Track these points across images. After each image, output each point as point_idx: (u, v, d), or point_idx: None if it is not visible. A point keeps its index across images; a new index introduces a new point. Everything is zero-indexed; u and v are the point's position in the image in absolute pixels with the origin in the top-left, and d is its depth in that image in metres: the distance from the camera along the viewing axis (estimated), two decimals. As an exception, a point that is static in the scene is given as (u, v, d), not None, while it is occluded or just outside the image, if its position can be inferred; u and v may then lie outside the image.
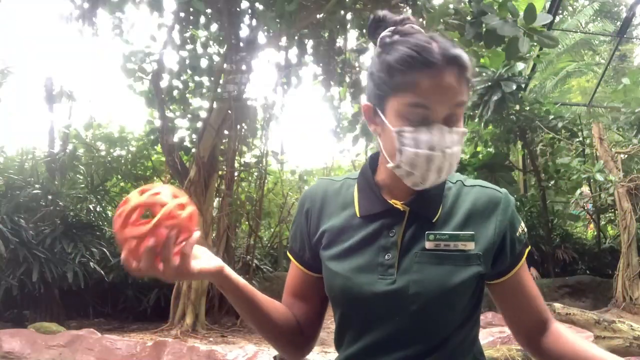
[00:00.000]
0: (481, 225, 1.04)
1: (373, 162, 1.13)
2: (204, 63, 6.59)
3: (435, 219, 1.04)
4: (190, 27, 6.77)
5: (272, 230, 9.36)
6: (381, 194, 1.08)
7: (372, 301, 1.02)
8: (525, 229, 1.11)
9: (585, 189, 8.48)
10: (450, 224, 1.04)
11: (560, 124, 8.40)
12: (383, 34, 1.03)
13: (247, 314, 1.08)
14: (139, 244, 0.89)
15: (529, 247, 1.11)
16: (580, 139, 9.16)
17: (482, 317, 4.99)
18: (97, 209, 7.14)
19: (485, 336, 4.43)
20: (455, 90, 0.97)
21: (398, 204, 1.05)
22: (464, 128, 1.02)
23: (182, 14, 6.43)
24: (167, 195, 0.92)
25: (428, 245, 1.02)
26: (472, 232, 1.03)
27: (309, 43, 6.97)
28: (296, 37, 6.60)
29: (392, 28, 1.03)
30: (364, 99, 1.09)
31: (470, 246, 1.02)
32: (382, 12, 1.06)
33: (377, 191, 1.08)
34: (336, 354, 1.14)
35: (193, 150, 6.64)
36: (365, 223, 1.07)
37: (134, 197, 0.92)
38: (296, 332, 1.14)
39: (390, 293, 1.01)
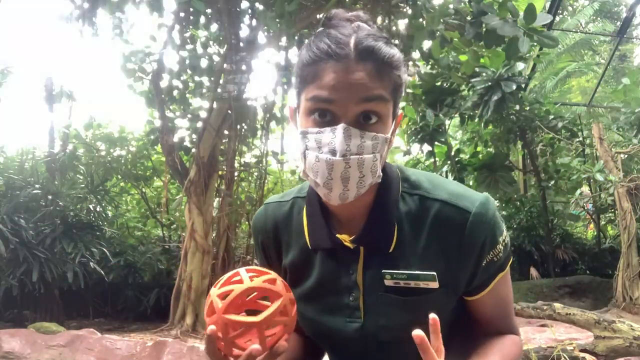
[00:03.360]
0: (444, 256, 0.91)
1: None
2: (204, 63, 6.60)
3: (391, 249, 0.92)
4: (190, 27, 6.77)
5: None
6: (331, 222, 0.96)
7: (343, 343, 0.98)
8: (503, 247, 0.94)
9: (585, 189, 8.47)
10: (412, 255, 0.92)
11: (560, 124, 8.40)
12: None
13: None
14: (244, 332, 0.85)
15: (507, 266, 0.97)
16: (580, 139, 9.16)
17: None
18: (97, 209, 7.14)
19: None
20: (366, 85, 0.83)
21: (347, 242, 0.93)
22: (385, 135, 0.86)
23: (182, 14, 6.43)
24: (281, 285, 0.87)
25: (387, 283, 0.92)
26: (433, 273, 0.90)
27: (309, 43, 6.96)
28: (296, 37, 6.60)
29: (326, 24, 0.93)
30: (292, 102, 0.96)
31: (434, 285, 0.91)
32: (334, 11, 0.94)
33: (324, 222, 0.96)
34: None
35: (193, 150, 6.64)
36: (323, 258, 0.97)
37: (246, 279, 0.85)
38: (309, 350, 1.13)
39: (360, 337, 0.95)
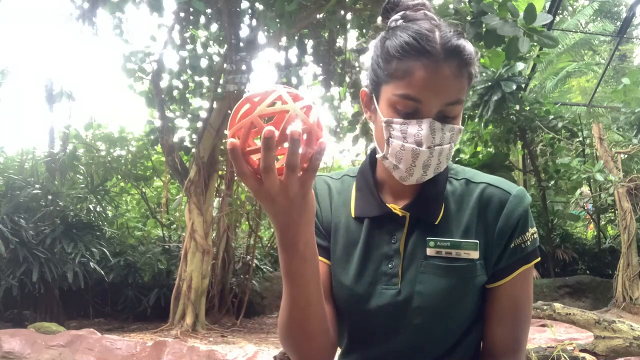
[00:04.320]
0: (483, 231, 0.98)
1: (373, 157, 1.06)
2: (204, 63, 6.60)
3: (437, 221, 0.98)
4: (190, 27, 6.77)
5: (272, 230, 9.35)
6: (380, 195, 1.03)
7: (373, 313, 0.99)
8: (531, 239, 0.99)
9: (585, 189, 8.48)
10: (456, 228, 0.98)
11: (560, 124, 8.40)
12: (392, 18, 0.99)
13: (301, 297, 0.88)
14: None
15: (532, 261, 0.99)
16: (580, 139, 9.16)
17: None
18: (97, 209, 7.14)
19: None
20: (451, 86, 0.92)
21: (397, 209, 1.00)
22: (460, 126, 0.96)
23: (182, 14, 6.43)
24: (287, 97, 0.74)
25: (429, 252, 0.97)
26: (476, 241, 0.96)
27: (309, 43, 6.97)
28: (296, 37, 6.60)
29: (401, 12, 0.99)
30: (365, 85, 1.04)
31: (474, 255, 0.96)
32: None
33: (376, 192, 1.03)
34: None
35: (193, 150, 6.64)
36: (367, 227, 1.02)
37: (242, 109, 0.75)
38: (329, 338, 0.98)
39: (393, 305, 0.97)
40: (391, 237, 1.00)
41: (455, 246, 0.96)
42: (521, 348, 1.00)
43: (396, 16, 0.98)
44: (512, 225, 0.97)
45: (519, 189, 1.00)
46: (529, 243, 0.98)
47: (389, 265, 0.99)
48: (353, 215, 1.04)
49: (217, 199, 6.94)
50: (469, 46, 0.94)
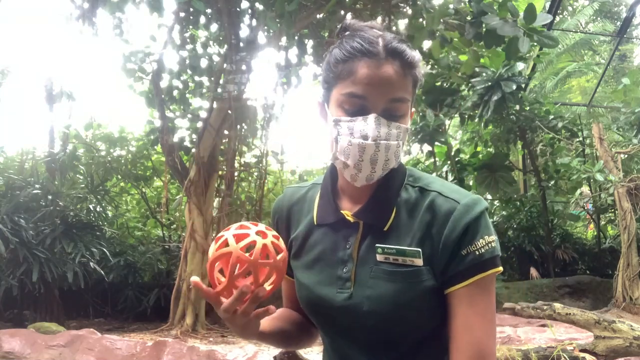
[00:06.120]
0: (430, 239, 0.99)
1: (335, 167, 1.09)
2: (204, 63, 6.60)
3: (387, 227, 1.01)
4: (190, 27, 6.77)
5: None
6: (339, 201, 1.08)
7: (332, 313, 1.04)
8: (487, 248, 0.97)
9: (585, 189, 8.48)
10: (405, 236, 1.00)
11: (560, 124, 8.40)
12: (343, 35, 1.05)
13: (273, 343, 1.19)
14: (227, 296, 1.01)
15: (489, 270, 0.97)
16: (580, 139, 9.16)
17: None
18: (97, 209, 7.14)
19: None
20: (395, 82, 0.97)
21: (349, 215, 1.04)
22: (406, 125, 1.00)
23: (182, 14, 6.43)
24: (231, 239, 0.99)
25: (379, 257, 1.00)
26: (419, 249, 0.98)
27: (309, 43, 6.97)
28: (296, 37, 6.60)
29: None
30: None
31: (418, 262, 0.98)
32: (349, 21, 1.07)
33: (332, 199, 1.07)
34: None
35: (193, 150, 6.64)
36: (326, 233, 1.08)
37: (210, 250, 1.04)
38: (305, 330, 1.21)
39: (347, 308, 1.02)
40: (346, 243, 1.05)
41: (401, 253, 0.99)
42: (486, 358, 0.97)
43: (346, 33, 1.05)
44: (458, 233, 0.96)
45: (471, 198, 1.00)
46: (483, 251, 0.97)
47: (344, 270, 1.04)
48: (315, 223, 1.09)
49: (217, 199, 6.94)
50: (410, 51, 1.00)
